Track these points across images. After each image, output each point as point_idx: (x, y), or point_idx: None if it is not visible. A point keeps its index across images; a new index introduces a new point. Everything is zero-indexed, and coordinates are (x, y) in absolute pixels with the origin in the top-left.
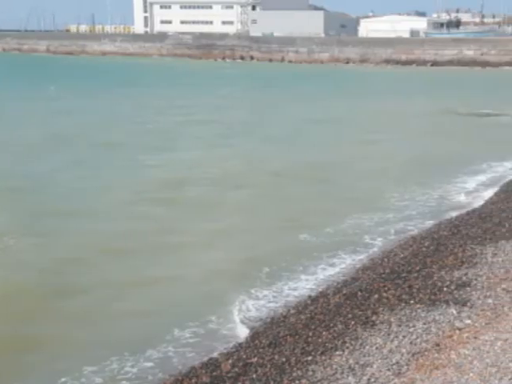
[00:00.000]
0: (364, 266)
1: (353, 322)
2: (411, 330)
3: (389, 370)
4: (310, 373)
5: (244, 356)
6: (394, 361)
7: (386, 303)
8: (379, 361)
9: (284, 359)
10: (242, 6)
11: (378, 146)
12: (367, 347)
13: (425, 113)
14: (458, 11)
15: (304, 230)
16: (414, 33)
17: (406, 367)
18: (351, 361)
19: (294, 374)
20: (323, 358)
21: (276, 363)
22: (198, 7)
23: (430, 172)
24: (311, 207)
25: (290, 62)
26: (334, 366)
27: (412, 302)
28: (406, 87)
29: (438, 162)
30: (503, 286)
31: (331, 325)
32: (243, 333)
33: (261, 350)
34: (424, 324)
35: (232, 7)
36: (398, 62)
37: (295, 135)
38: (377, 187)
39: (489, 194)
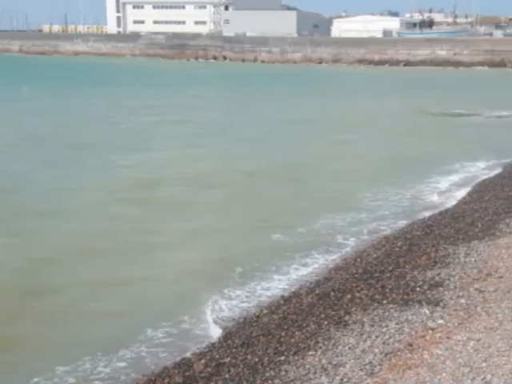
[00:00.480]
0: (337, 265)
1: (326, 322)
2: (384, 329)
3: (362, 370)
4: (283, 373)
5: (217, 356)
6: (366, 361)
7: (359, 303)
8: (352, 361)
9: (257, 359)
10: (214, 6)
11: (351, 146)
12: (340, 347)
13: (397, 113)
14: (430, 11)
15: (277, 229)
16: (386, 33)
17: (378, 367)
18: (324, 361)
19: (267, 374)
20: (296, 358)
21: (249, 363)
22: (171, 7)
23: (402, 172)
24: (284, 207)
25: (263, 62)
26: (307, 366)
27: (385, 301)
28: (379, 87)
29: (411, 161)
30: (476, 285)
31: (304, 325)
32: (216, 333)
33: (234, 350)
34: (397, 324)
35: (205, 7)
36: (370, 62)
37: (268, 135)
38: (350, 187)
39: (461, 193)
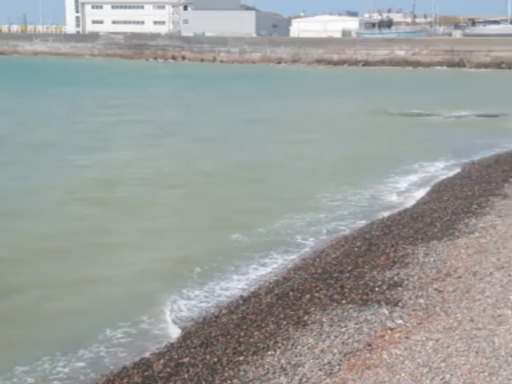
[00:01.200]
0: (296, 266)
1: (284, 322)
2: (343, 330)
3: (320, 370)
4: (242, 373)
5: (176, 356)
6: (325, 361)
7: (318, 303)
8: (311, 361)
9: (216, 359)
10: (173, 6)
11: (310, 146)
12: (299, 347)
13: (357, 113)
14: (389, 11)
15: (236, 229)
16: (345, 33)
17: (337, 367)
18: (283, 361)
19: (226, 374)
20: (255, 357)
21: (208, 363)
22: (130, 7)
23: (361, 172)
24: (243, 207)
25: (222, 62)
26: (266, 366)
27: (344, 302)
28: (338, 87)
29: (370, 161)
30: (435, 286)
31: (263, 325)
32: (175, 333)
33: (192, 350)
34: (356, 324)
35: (164, 7)
36: (329, 62)
37: (227, 135)
38: (308, 187)
39: (420, 194)
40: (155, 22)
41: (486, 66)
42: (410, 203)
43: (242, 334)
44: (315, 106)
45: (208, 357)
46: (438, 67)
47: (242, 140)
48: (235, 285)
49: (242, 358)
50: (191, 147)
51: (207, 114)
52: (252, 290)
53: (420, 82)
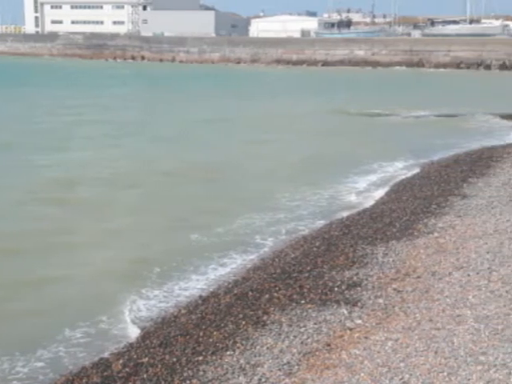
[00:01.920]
0: (255, 266)
1: (243, 322)
2: (302, 330)
3: (280, 370)
4: (201, 373)
5: (135, 356)
6: (284, 361)
7: (277, 303)
8: (270, 361)
9: (175, 359)
10: (132, 6)
11: (269, 146)
12: (258, 347)
13: (316, 113)
14: (348, 11)
15: (195, 229)
16: (304, 33)
17: (296, 367)
18: (242, 361)
19: (185, 374)
20: (214, 357)
21: (167, 363)
22: (89, 7)
23: (320, 172)
24: (202, 207)
25: (181, 62)
26: (225, 366)
27: (303, 302)
28: (298, 87)
29: (329, 162)
30: (394, 285)
31: (222, 325)
32: (134, 333)
33: (152, 350)
34: (315, 324)
35: (123, 7)
36: (288, 62)
37: (186, 135)
38: (268, 187)
39: (379, 194)
40: (114, 22)
41: (445, 65)
42: (369, 203)
43: (201, 334)
44: (275, 106)
45: (167, 357)
46: (397, 67)
47: (201, 140)
48: (194, 285)
49: (201, 357)
50: (150, 147)
51: (167, 114)
52: (211, 290)
53: (379, 82)
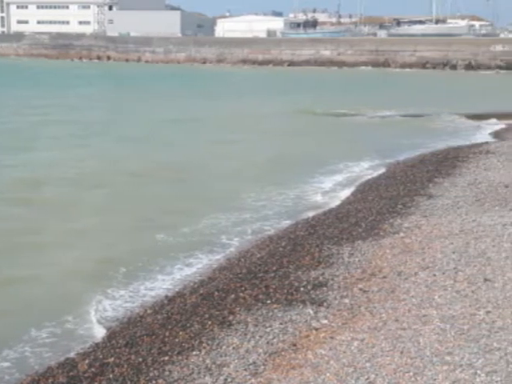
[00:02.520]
0: (221, 265)
1: (210, 322)
2: (268, 330)
3: (246, 369)
4: (167, 373)
5: (101, 356)
6: (250, 361)
7: (243, 303)
8: (236, 361)
9: (141, 359)
10: (98, 6)
11: (235, 146)
12: (224, 347)
13: (282, 113)
14: (314, 11)
15: (161, 229)
16: (270, 33)
17: (262, 367)
18: (208, 361)
19: (151, 374)
20: (180, 357)
21: (133, 363)
22: (55, 7)
23: (286, 172)
24: (168, 207)
25: (147, 62)
26: (191, 366)
27: (269, 302)
28: (264, 87)
29: (295, 162)
30: (360, 286)
31: (188, 325)
32: (100, 333)
33: (117, 350)
34: (281, 324)
35: (89, 7)
36: (254, 62)
37: (152, 135)
38: (234, 187)
39: (345, 194)
40: (80, 22)
41: (410, 65)
42: (334, 203)
43: (167, 333)
44: (241, 106)
45: (133, 357)
46: (363, 67)
47: (167, 140)
48: (160, 285)
49: (166, 357)
50: (116, 147)
51: (133, 114)
52: (177, 290)
53: (345, 82)
